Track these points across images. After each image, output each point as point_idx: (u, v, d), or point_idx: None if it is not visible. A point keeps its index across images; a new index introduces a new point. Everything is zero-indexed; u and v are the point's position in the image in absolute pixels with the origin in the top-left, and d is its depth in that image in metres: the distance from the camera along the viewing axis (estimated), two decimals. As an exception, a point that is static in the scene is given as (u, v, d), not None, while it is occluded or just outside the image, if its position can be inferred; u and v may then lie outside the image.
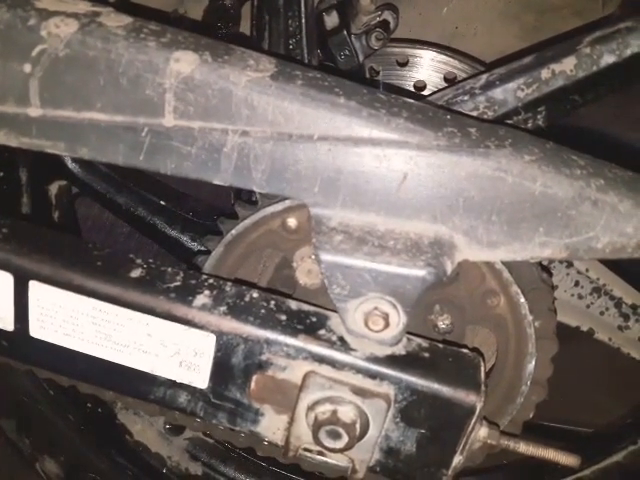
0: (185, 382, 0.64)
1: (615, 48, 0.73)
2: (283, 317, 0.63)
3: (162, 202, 1.04)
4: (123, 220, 1.09)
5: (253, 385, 0.63)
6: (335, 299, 0.60)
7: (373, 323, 0.60)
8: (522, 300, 0.68)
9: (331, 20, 0.98)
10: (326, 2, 1.01)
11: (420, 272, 0.58)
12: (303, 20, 0.87)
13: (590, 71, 0.73)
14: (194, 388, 0.64)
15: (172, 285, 0.63)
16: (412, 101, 0.61)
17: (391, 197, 0.59)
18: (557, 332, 0.71)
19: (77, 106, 0.60)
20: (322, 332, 0.62)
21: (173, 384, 0.64)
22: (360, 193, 0.59)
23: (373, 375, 0.60)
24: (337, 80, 0.60)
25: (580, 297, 0.91)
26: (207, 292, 0.63)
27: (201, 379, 0.64)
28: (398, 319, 0.59)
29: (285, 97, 0.58)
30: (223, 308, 0.62)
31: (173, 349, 0.63)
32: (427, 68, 1.14)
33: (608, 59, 0.73)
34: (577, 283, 0.90)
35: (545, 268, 0.72)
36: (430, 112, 0.60)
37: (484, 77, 0.75)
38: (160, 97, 0.58)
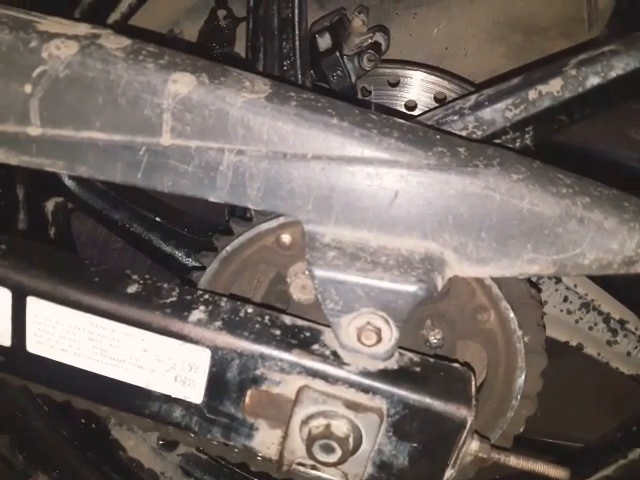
0: (180, 397, 0.65)
1: (600, 70, 0.75)
2: (277, 332, 0.64)
3: (157, 218, 1.05)
4: (118, 236, 1.10)
5: (247, 400, 0.64)
6: (328, 314, 0.62)
7: (366, 338, 0.61)
8: (511, 315, 0.69)
9: (324, 42, 1.00)
10: (319, 24, 1.04)
11: (411, 288, 0.59)
12: (297, 42, 0.89)
13: (576, 92, 0.75)
14: (189, 403, 0.65)
15: (168, 301, 0.64)
16: (403, 121, 0.63)
17: (383, 214, 0.60)
18: (548, 347, 0.72)
19: (76, 125, 0.61)
20: (316, 347, 0.63)
21: (168, 399, 0.65)
22: (353, 210, 0.61)
23: (366, 389, 0.61)
24: (330, 101, 0.62)
25: (569, 312, 0.92)
26: (202, 307, 0.64)
27: (196, 394, 0.64)
28: (390, 334, 0.61)
29: (280, 117, 0.59)
30: (218, 323, 0.63)
31: (168, 364, 0.64)
32: (418, 88, 1.17)
33: (593, 81, 0.75)
34: (566, 299, 0.92)
35: (534, 284, 0.74)
36: (420, 132, 0.62)
37: (473, 97, 0.77)
38: (158, 117, 0.60)
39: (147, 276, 0.67)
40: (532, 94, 0.75)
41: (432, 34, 1.29)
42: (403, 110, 1.18)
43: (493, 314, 0.70)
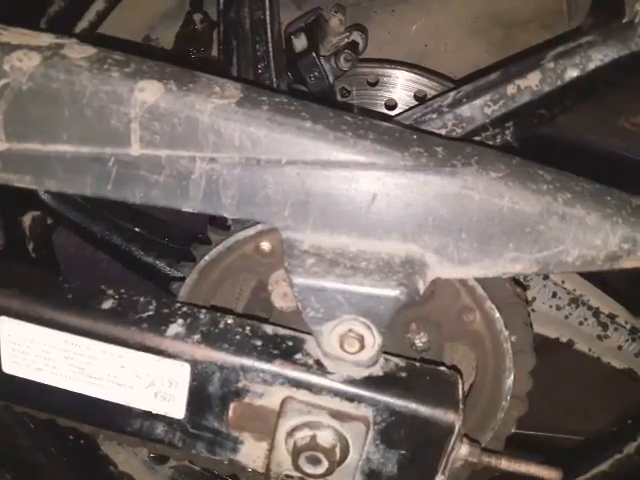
0: (161, 413, 0.63)
1: (578, 62, 0.74)
2: (259, 343, 0.62)
3: (137, 229, 1.03)
4: (98, 249, 1.09)
5: (231, 413, 0.62)
6: (309, 322, 0.60)
7: (349, 345, 0.60)
8: (497, 315, 0.68)
9: (300, 43, 0.98)
10: (294, 25, 1.02)
11: (393, 292, 0.57)
12: (270, 45, 0.87)
13: (555, 85, 0.74)
14: (171, 419, 0.63)
15: (144, 315, 0.63)
16: (379, 122, 0.61)
17: (361, 218, 0.59)
18: (542, 343, 0.71)
19: (43, 139, 0.59)
20: (298, 356, 0.61)
21: (149, 415, 0.63)
22: (330, 215, 0.59)
23: (351, 398, 0.60)
24: (303, 104, 0.61)
25: (558, 308, 0.91)
26: (180, 321, 0.63)
27: (177, 409, 0.63)
28: (373, 340, 0.59)
29: (252, 123, 0.58)
30: (197, 336, 0.61)
31: (148, 380, 0.62)
32: (397, 87, 1.15)
33: (572, 73, 0.74)
34: (555, 294, 0.91)
35: (519, 283, 0.73)
36: (397, 133, 0.60)
37: (451, 95, 0.76)
38: (126, 127, 0.58)
39: (123, 290, 0.65)
40: (510, 89, 0.74)
41: (411, 31, 1.28)
42: (383, 109, 1.17)
43: (479, 315, 0.69)
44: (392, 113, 1.16)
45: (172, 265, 1.00)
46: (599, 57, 0.73)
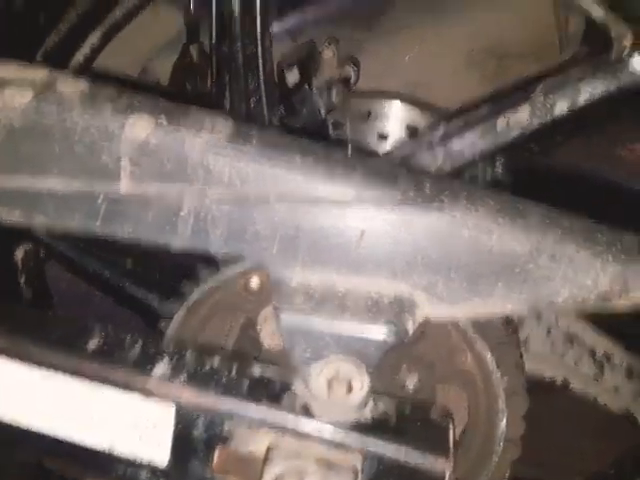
0: (145, 457, 0.61)
1: (568, 96, 0.74)
2: (245, 385, 0.60)
3: (128, 264, 1.02)
4: (90, 284, 1.07)
5: (216, 459, 0.60)
6: (296, 363, 0.59)
7: (337, 387, 0.58)
8: (489, 356, 0.66)
9: (292, 76, 0.99)
10: (287, 59, 1.03)
11: (381, 333, 0.56)
12: (262, 79, 0.88)
13: (545, 119, 0.74)
14: (155, 464, 0.61)
15: (130, 354, 0.61)
16: (367, 158, 0.61)
17: (350, 254, 0.58)
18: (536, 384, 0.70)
19: (33, 175, 0.59)
20: (285, 400, 0.60)
21: (133, 461, 0.61)
22: (319, 252, 0.59)
23: (338, 445, 0.58)
24: (293, 139, 0.60)
25: (553, 347, 0.89)
26: (166, 360, 0.61)
27: (162, 453, 0.61)
28: (361, 383, 0.58)
29: (241, 158, 0.57)
30: (183, 377, 0.60)
31: (132, 422, 0.60)
32: (389, 119, 1.15)
33: (562, 107, 0.74)
34: (549, 332, 0.89)
35: (511, 321, 0.71)
36: (385, 168, 0.60)
37: (442, 129, 0.76)
38: (116, 163, 0.58)
39: (109, 328, 0.64)
40: (500, 123, 0.74)
41: (404, 62, 1.28)
42: (376, 141, 1.16)
43: (470, 355, 0.67)
44: (385, 144, 1.16)
45: (163, 301, 0.98)
46: (589, 90, 0.73)
